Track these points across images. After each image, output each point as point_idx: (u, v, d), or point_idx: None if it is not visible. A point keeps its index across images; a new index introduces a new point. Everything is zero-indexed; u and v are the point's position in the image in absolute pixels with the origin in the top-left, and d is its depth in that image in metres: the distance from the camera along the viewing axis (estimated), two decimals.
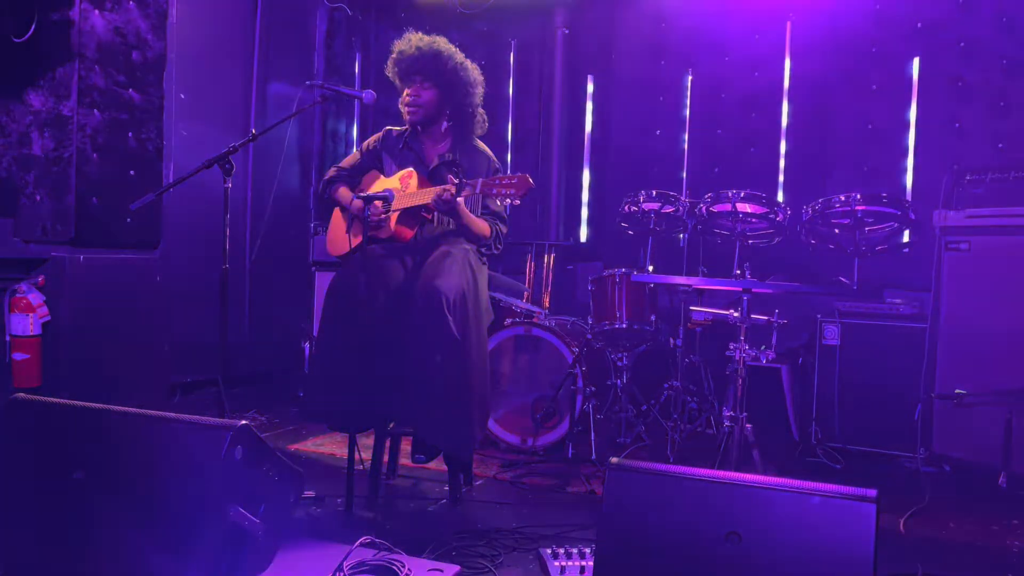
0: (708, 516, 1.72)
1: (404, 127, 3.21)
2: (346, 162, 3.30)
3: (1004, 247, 3.37)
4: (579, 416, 3.59)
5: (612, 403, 3.95)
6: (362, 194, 2.90)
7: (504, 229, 3.10)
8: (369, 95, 3.06)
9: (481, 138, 3.25)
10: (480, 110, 3.18)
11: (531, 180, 2.68)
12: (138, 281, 4.10)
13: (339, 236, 3.15)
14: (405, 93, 3.07)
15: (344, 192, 3.18)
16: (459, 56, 3.09)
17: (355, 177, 3.24)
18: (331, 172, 3.27)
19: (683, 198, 3.76)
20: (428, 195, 2.83)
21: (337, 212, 3.24)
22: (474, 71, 3.12)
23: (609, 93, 5.20)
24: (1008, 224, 3.36)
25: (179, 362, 4.48)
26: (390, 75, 3.14)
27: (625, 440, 3.83)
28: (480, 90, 3.15)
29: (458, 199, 2.79)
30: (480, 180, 2.75)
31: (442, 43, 3.08)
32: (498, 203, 2.85)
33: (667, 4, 4.97)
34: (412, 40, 3.08)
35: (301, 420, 4.19)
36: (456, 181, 2.77)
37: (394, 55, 3.11)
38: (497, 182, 2.70)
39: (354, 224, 3.09)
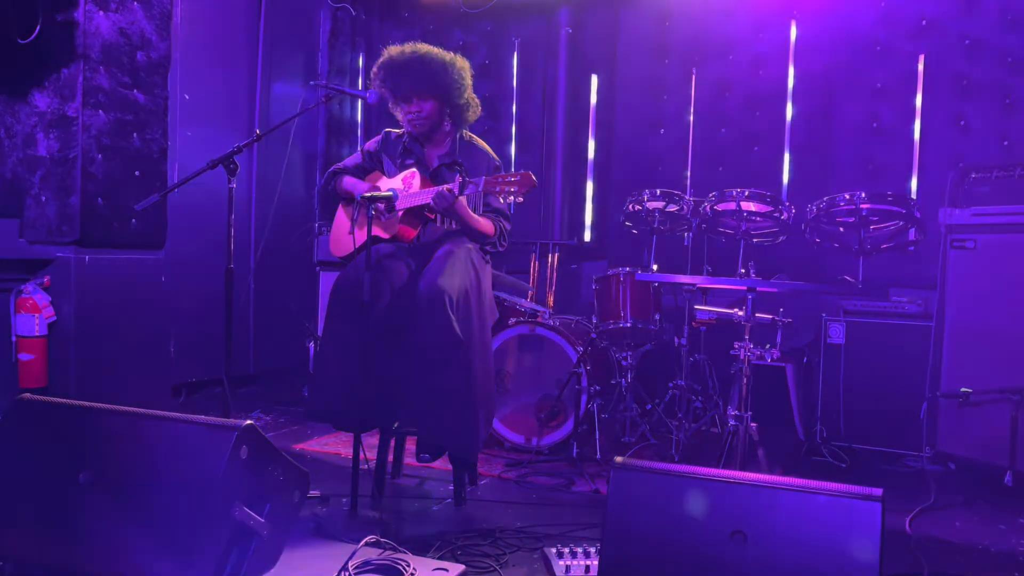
0: (713, 515, 1.72)
1: (403, 130, 3.21)
2: (348, 161, 3.31)
3: (1010, 245, 3.36)
4: (584, 415, 3.59)
5: (617, 402, 3.94)
6: (366, 193, 2.90)
7: (508, 226, 3.10)
8: (373, 95, 3.05)
9: (485, 136, 3.25)
10: (471, 96, 3.13)
11: (534, 177, 2.67)
12: (143, 281, 4.11)
13: (342, 237, 3.15)
14: (406, 110, 3.04)
15: (348, 179, 3.17)
16: (442, 55, 3.04)
17: (358, 176, 3.25)
18: (335, 167, 3.28)
19: (687, 197, 3.75)
20: (430, 195, 2.83)
21: (340, 213, 3.25)
22: (458, 61, 3.06)
23: (613, 92, 5.19)
24: (1014, 222, 3.35)
25: (184, 362, 4.50)
26: (378, 91, 3.07)
27: (630, 439, 3.83)
28: (469, 79, 3.09)
29: (459, 199, 2.79)
30: (483, 178, 2.75)
31: (423, 49, 3.02)
32: (501, 200, 2.86)
33: (671, 3, 4.97)
34: (393, 55, 3.02)
35: (306, 420, 4.19)
36: (459, 180, 2.77)
37: (380, 74, 3.04)
38: (500, 180, 2.70)
39: (357, 224, 3.09)
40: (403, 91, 3.03)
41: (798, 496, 1.68)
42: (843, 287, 3.51)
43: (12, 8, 3.52)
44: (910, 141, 4.39)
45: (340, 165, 3.28)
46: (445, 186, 2.82)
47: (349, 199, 3.18)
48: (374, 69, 3.08)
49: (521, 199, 2.69)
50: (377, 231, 2.97)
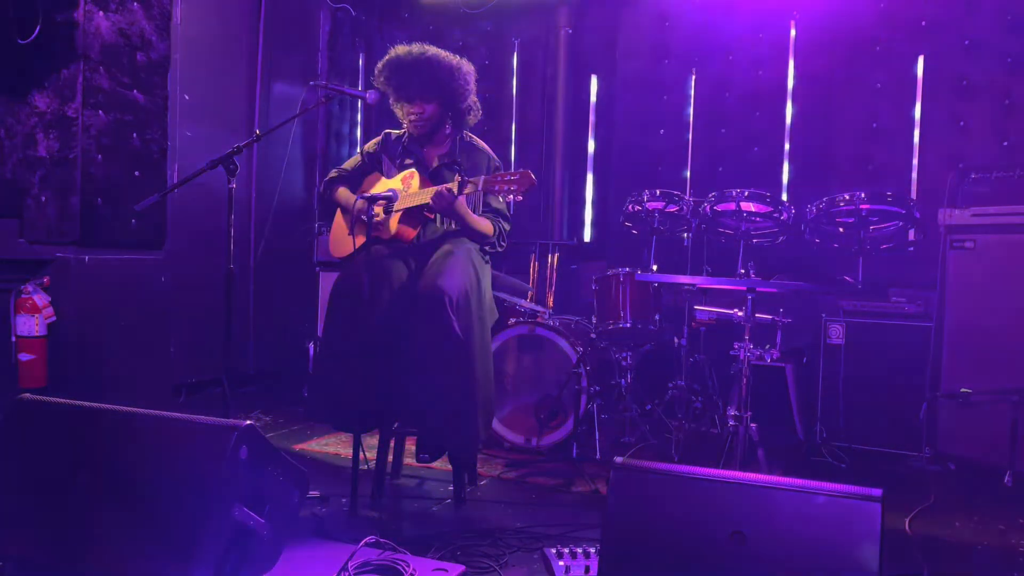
0: (713, 515, 1.72)
1: (402, 130, 3.21)
2: (348, 164, 3.31)
3: (1009, 245, 3.36)
4: (583, 416, 3.59)
5: (616, 402, 3.94)
6: (365, 195, 2.91)
7: (507, 226, 3.11)
8: (372, 95, 3.05)
9: (484, 137, 3.26)
10: (474, 100, 3.14)
11: (533, 176, 2.67)
12: (143, 282, 4.10)
13: (342, 238, 3.15)
14: (408, 110, 3.06)
15: (344, 192, 3.19)
16: (450, 59, 3.05)
17: (356, 179, 3.25)
18: (332, 173, 3.28)
19: (687, 197, 3.75)
20: (429, 194, 2.83)
21: (339, 214, 3.25)
22: (464, 66, 3.08)
23: (613, 92, 5.19)
24: (1013, 222, 3.36)
25: (184, 362, 4.49)
26: (381, 87, 3.07)
27: (629, 439, 3.83)
28: (473, 83, 3.10)
29: (459, 199, 2.80)
30: (482, 177, 2.76)
31: (431, 51, 3.03)
32: (500, 200, 2.85)
33: (671, 3, 4.97)
34: (400, 55, 3.03)
35: (306, 420, 4.19)
36: (458, 179, 2.77)
37: (384, 71, 3.05)
38: (499, 179, 2.70)
39: (357, 225, 3.10)
40: (407, 92, 3.03)
41: (798, 496, 1.68)
42: (843, 287, 3.51)
43: (12, 8, 3.52)
44: (910, 141, 4.39)
45: (339, 171, 3.28)
46: (444, 186, 2.82)
47: (346, 208, 3.19)
48: (379, 66, 3.08)
49: (521, 197, 2.69)
50: (376, 232, 2.97)
